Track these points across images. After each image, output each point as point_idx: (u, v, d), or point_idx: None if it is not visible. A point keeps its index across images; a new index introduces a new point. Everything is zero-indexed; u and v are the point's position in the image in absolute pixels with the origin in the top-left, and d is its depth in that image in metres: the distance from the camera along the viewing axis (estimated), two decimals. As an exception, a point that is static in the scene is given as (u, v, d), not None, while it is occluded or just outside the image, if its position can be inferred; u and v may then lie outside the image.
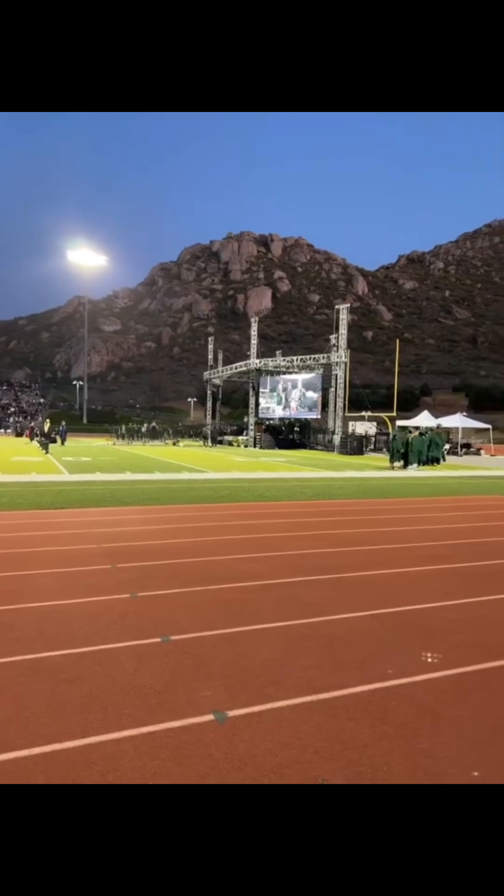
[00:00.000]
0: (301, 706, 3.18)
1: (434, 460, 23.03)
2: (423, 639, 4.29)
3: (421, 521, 9.93)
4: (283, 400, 40.95)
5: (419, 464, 21.84)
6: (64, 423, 39.41)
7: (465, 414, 44.48)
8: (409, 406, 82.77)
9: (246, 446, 40.72)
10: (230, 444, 43.87)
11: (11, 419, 62.69)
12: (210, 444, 43.95)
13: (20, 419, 61.90)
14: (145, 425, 44.58)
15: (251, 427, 42.14)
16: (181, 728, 2.92)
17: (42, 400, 78.47)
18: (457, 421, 37.20)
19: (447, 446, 27.24)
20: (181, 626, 4.40)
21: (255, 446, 39.73)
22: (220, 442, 45.08)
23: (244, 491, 13.58)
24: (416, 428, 28.03)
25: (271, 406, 41.74)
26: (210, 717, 3.04)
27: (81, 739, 2.79)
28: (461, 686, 3.51)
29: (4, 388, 78.81)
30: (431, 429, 27.48)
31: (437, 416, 38.28)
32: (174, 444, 42.21)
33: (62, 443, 34.88)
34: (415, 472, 20.57)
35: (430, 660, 3.87)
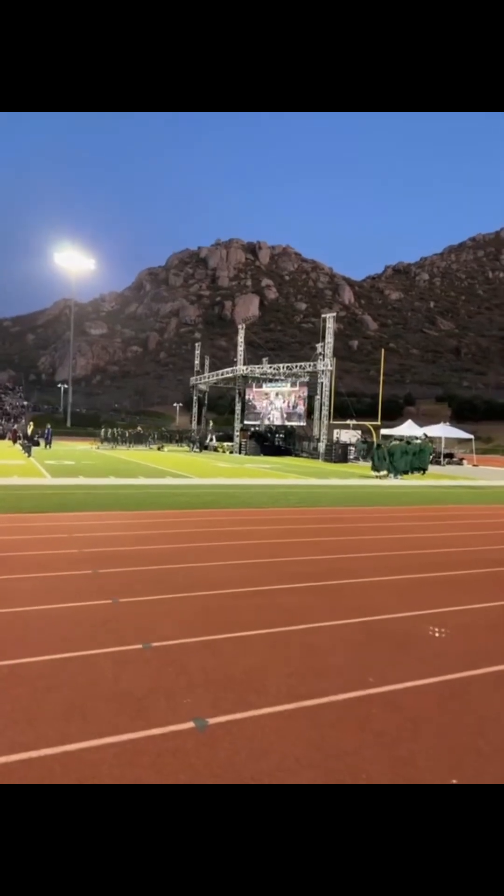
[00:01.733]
0: (282, 714, 3.18)
1: (418, 469, 23.25)
2: (405, 647, 4.31)
3: (403, 530, 10.01)
4: (269, 407, 41.07)
5: (401, 473, 22.01)
6: (49, 426, 39.02)
7: (448, 424, 45.00)
8: (394, 415, 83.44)
9: (231, 452, 40.70)
10: (215, 449, 43.81)
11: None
12: (195, 449, 43.85)
13: (3, 422, 61.13)
14: (103, 431, 43.61)
15: (237, 433, 42.16)
16: (162, 735, 2.90)
17: (26, 402, 77.62)
18: (440, 430, 37.60)
19: (431, 455, 27.48)
20: (163, 633, 4.37)
21: (240, 452, 39.72)
22: (206, 448, 45.00)
23: (228, 497, 13.56)
24: (401, 437, 28.26)
25: (257, 413, 41.83)
26: (191, 724, 3.02)
27: (60, 747, 2.76)
28: (442, 694, 3.54)
29: (-13, 389, 77.84)
30: (418, 438, 27.75)
31: (420, 426, 38.65)
32: (158, 448, 42.00)
33: (47, 446, 34.53)
34: (397, 480, 20.73)
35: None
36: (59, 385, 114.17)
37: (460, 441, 42.01)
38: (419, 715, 3.24)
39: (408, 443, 23.90)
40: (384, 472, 21.86)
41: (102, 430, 44.38)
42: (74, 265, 68.78)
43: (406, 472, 22.46)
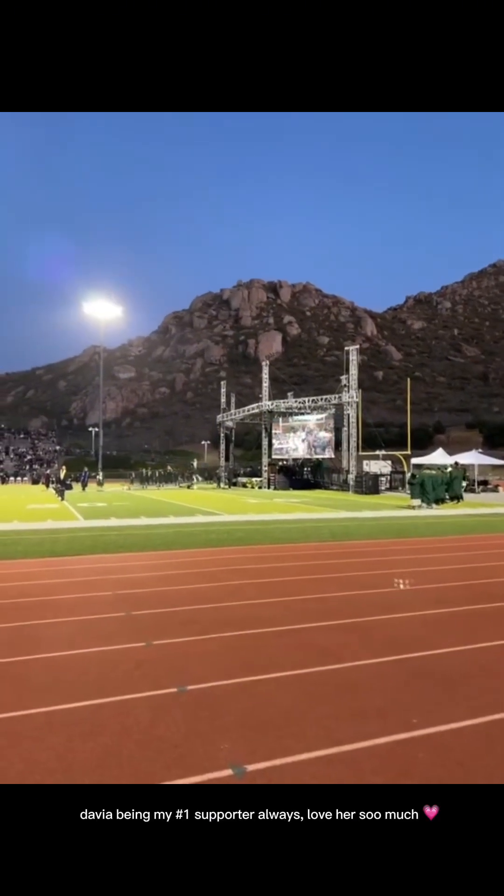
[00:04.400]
0: (322, 759, 3.06)
1: (453, 498, 22.75)
2: (448, 685, 4.13)
3: (440, 562, 9.72)
4: (296, 440, 41.09)
5: (436, 502, 21.55)
6: (86, 469, 39.91)
7: (480, 451, 44.09)
8: (423, 444, 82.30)
9: (260, 487, 40.61)
10: (244, 485, 43.80)
11: (28, 467, 63.50)
12: (224, 485, 43.92)
13: (37, 467, 62.63)
14: (102, 473, 41.77)
15: (265, 468, 42.15)
16: (199, 784, 2.82)
17: (58, 447, 79.52)
18: (472, 458, 36.82)
19: (464, 483, 26.87)
20: (197, 676, 4.30)
21: (269, 487, 39.61)
22: (235, 484, 45.05)
23: (259, 533, 13.46)
24: (432, 466, 27.79)
25: (284, 447, 41.87)
26: (228, 771, 2.93)
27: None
28: (491, 735, 3.36)
29: (22, 436, 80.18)
30: (450, 466, 27.24)
31: (451, 454, 37.95)
32: (188, 487, 42.22)
33: (83, 489, 35.18)
34: (431, 510, 20.28)
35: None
36: (90, 429, 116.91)
37: (494, 467, 41.03)
38: (468, 758, 3.07)
39: (441, 471, 23.47)
40: (418, 502, 21.44)
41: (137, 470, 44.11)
42: (102, 313, 71.27)
43: (442, 501, 21.97)
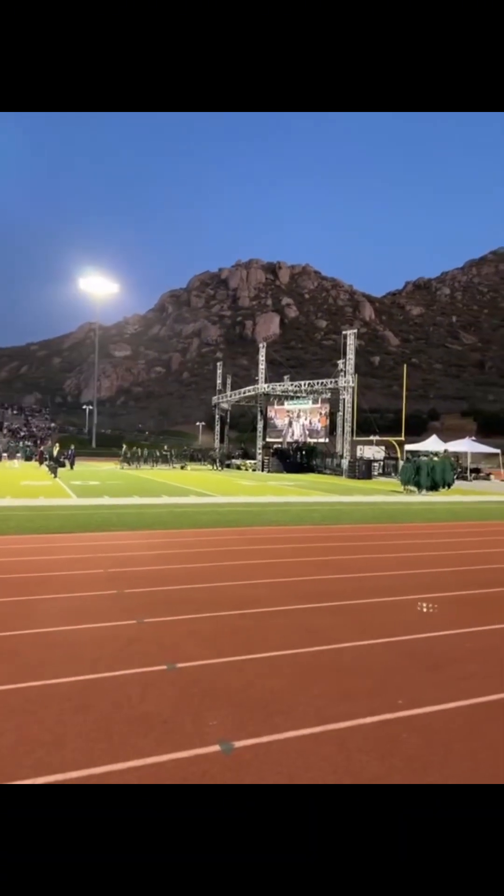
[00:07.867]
0: (309, 737, 3.12)
1: (445, 484, 22.90)
2: (435, 668, 4.20)
3: (429, 547, 9.82)
4: (291, 424, 41.09)
5: (427, 489, 21.69)
6: (73, 447, 39.53)
7: (473, 438, 44.26)
8: (418, 430, 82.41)
9: (254, 470, 40.70)
10: (238, 467, 43.87)
11: (21, 443, 63.21)
12: (218, 467, 43.98)
13: (30, 444, 62.37)
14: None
15: (259, 451, 42.20)
16: (187, 759, 2.87)
17: (52, 424, 79.09)
18: (465, 446, 36.98)
19: (458, 470, 27.03)
20: (187, 654, 4.35)
21: (262, 470, 39.71)
22: (228, 466, 45.10)
23: (251, 515, 13.53)
24: (426, 453, 27.91)
25: (279, 430, 41.86)
26: (216, 747, 2.98)
27: (85, 770, 2.74)
28: (475, 717, 3.43)
29: (15, 412, 79.63)
30: (439, 453, 27.36)
31: (445, 441, 38.07)
32: (181, 467, 42.22)
33: (71, 467, 34.93)
34: (423, 496, 20.42)
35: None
36: (84, 406, 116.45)
37: (487, 456, 41.26)
38: (451, 739, 3.14)
39: (436, 456, 23.58)
40: (411, 488, 21.57)
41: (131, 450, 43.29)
42: (98, 289, 70.55)
43: (434, 489, 22.11)
